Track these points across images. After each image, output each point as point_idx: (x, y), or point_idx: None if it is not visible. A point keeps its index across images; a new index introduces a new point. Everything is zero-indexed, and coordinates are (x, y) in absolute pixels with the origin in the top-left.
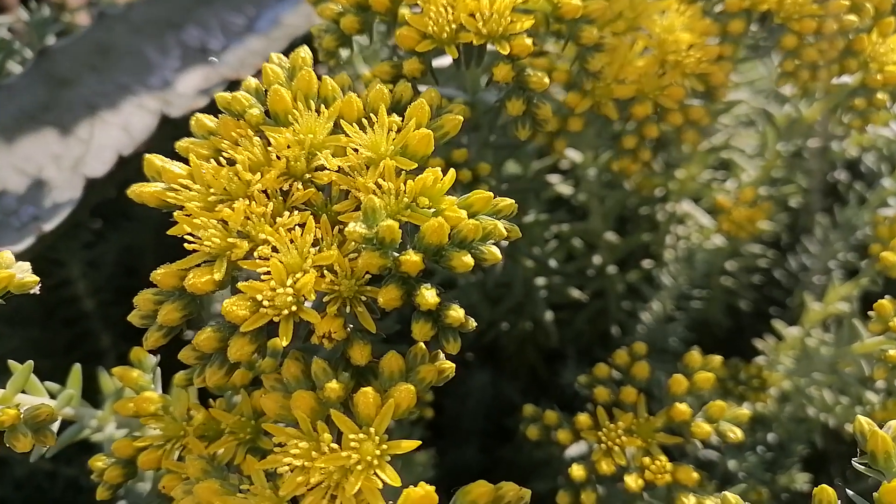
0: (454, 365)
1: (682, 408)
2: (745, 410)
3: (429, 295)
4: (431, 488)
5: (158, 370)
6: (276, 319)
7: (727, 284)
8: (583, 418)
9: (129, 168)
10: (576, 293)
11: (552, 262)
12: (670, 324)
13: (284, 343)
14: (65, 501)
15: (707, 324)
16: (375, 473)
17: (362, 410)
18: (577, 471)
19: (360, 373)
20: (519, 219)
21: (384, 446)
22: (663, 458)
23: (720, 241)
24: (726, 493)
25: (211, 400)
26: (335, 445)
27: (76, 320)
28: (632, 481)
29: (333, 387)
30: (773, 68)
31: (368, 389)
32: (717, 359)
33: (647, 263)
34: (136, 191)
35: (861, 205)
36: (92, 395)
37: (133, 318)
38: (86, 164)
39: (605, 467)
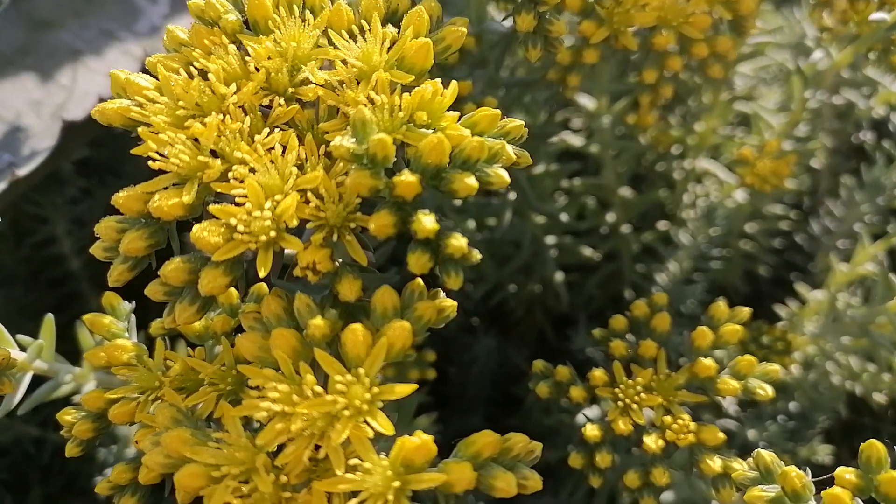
0: (455, 303)
1: (708, 362)
2: (774, 366)
3: (427, 221)
4: (429, 438)
5: (133, 318)
6: (252, 247)
7: (746, 248)
8: (598, 374)
9: None
10: (588, 252)
11: (563, 216)
12: (688, 286)
13: (262, 274)
14: (53, 468)
15: (724, 290)
16: (366, 421)
17: (351, 350)
18: (592, 430)
19: (350, 312)
20: (528, 171)
21: (375, 390)
22: (686, 416)
23: (741, 197)
24: (760, 450)
25: (189, 349)
26: (319, 389)
27: (63, 281)
28: (651, 442)
29: (318, 323)
30: (794, 21)
31: (357, 326)
32: (744, 311)
33: (662, 225)
34: (100, 109)
35: (889, 165)
36: (76, 356)
37: (95, 250)
38: (67, 111)
39: (622, 426)
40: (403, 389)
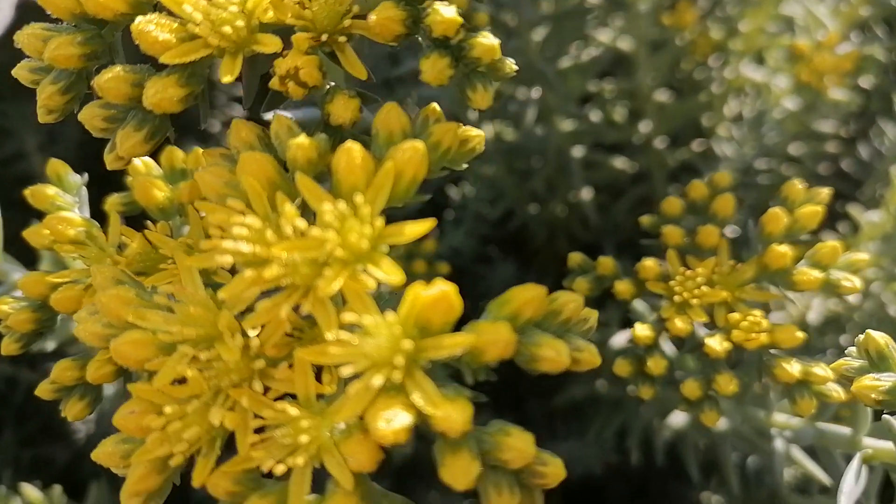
0: (483, 134)
1: (783, 250)
2: (862, 255)
3: (446, 11)
4: (451, 287)
5: (85, 192)
6: (216, 48)
7: (789, 175)
8: (649, 264)
9: None
10: (619, 163)
11: (594, 115)
12: None
13: (227, 80)
14: (28, 409)
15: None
16: (365, 269)
17: (345, 178)
18: (643, 330)
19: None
20: (554, 64)
21: (378, 224)
22: (757, 312)
23: (793, 104)
24: (870, 332)
25: (150, 223)
26: (303, 223)
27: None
28: (716, 343)
29: (301, 142)
30: None
31: (353, 145)
32: (823, 191)
33: (697, 145)
34: None
35: None
36: None
37: (20, 71)
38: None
39: (680, 325)
40: (416, 230)
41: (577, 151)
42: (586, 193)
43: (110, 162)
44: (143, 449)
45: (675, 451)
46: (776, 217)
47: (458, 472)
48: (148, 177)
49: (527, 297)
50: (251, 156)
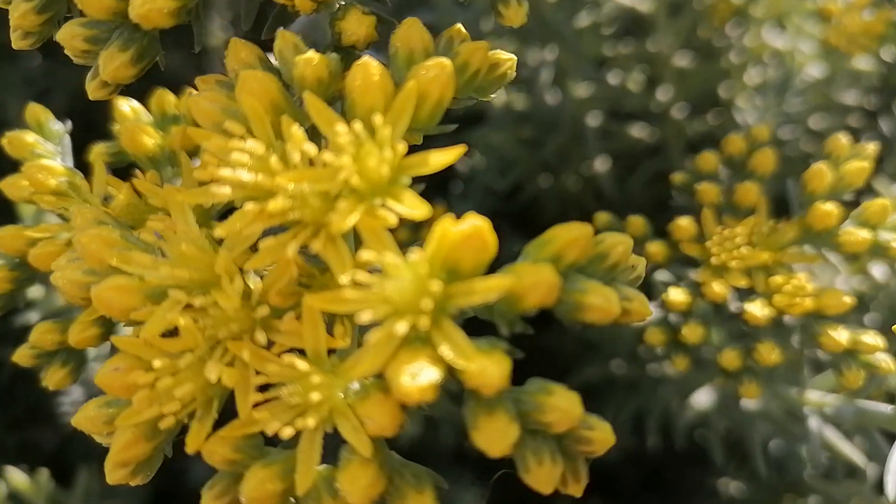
0: (514, 59)
1: (828, 208)
2: None
3: None
4: (484, 221)
5: (68, 141)
6: None
7: (808, 150)
8: (684, 223)
9: None
10: (636, 131)
11: (612, 77)
12: None
13: None
14: (14, 391)
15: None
16: (384, 203)
17: (360, 98)
18: (677, 295)
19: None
20: (569, 23)
21: (399, 148)
22: (802, 276)
23: (817, 71)
24: None
25: (139, 171)
26: (312, 149)
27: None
28: (757, 309)
29: (310, 58)
30: None
31: (370, 61)
32: (870, 147)
33: (715, 116)
34: None
35: None
36: None
37: None
38: None
39: (718, 289)
40: (443, 158)
41: (593, 119)
42: (602, 164)
43: (93, 90)
44: (130, 410)
45: (693, 435)
46: (820, 173)
47: (493, 435)
48: (136, 123)
49: (571, 236)
50: (252, 74)
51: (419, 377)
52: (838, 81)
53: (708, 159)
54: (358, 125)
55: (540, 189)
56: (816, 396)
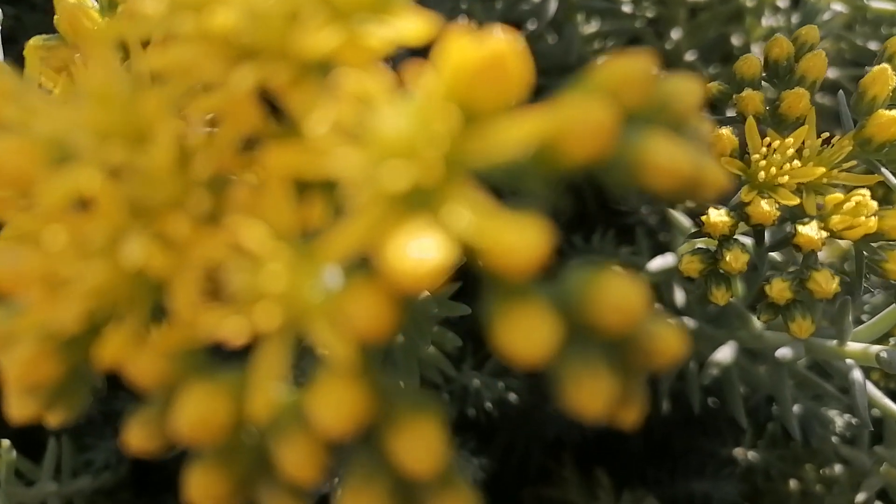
0: None
1: (892, 115)
2: None
3: None
4: (510, 42)
5: None
6: None
7: (825, 102)
8: (725, 133)
9: None
10: None
11: (625, 7)
12: None
13: None
14: None
15: None
16: (366, 21)
17: None
18: (719, 216)
19: None
20: None
21: None
22: (864, 192)
23: (840, 5)
24: None
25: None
26: None
27: None
28: (812, 230)
29: None
30: None
31: None
32: None
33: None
34: None
35: None
36: None
37: None
38: None
39: (766, 209)
40: None
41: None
42: None
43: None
44: (27, 313)
45: (704, 403)
46: (882, 76)
47: (524, 332)
48: (78, 5)
49: (628, 71)
50: None
51: (422, 252)
52: (855, 31)
53: (751, 62)
54: None
55: None
56: (859, 348)
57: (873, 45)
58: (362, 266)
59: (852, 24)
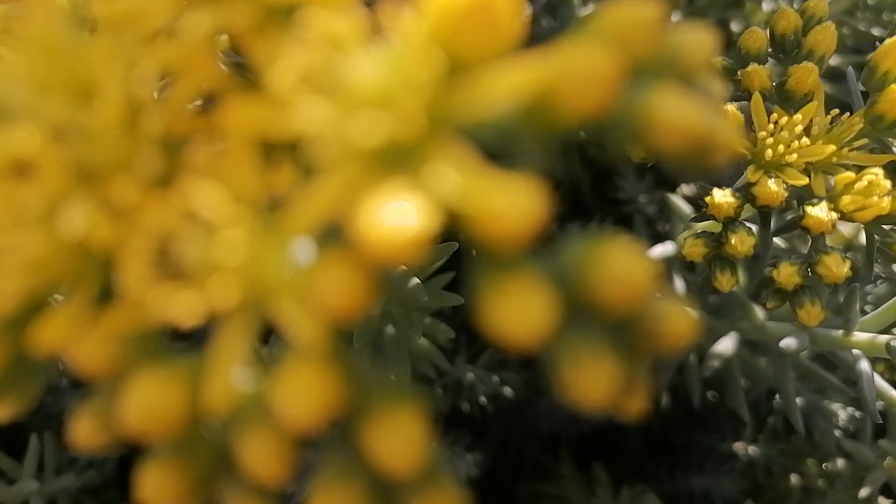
0: None
1: None
2: None
3: None
4: None
5: None
6: None
7: (825, 89)
8: (731, 109)
9: None
10: None
11: None
12: None
13: None
14: None
15: None
16: None
17: None
18: (724, 197)
19: None
20: None
21: None
22: (878, 171)
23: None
24: None
25: None
26: None
27: None
28: (822, 212)
29: None
30: None
31: None
32: None
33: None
34: None
35: None
36: None
37: None
38: None
39: (774, 189)
40: None
41: None
42: None
43: None
44: None
45: (704, 397)
46: (894, 49)
47: (517, 309)
48: None
49: (636, 17)
50: None
51: (401, 218)
52: (857, 16)
53: (756, 36)
54: None
55: None
56: (865, 338)
57: (876, 31)
58: (334, 236)
59: (853, 10)
